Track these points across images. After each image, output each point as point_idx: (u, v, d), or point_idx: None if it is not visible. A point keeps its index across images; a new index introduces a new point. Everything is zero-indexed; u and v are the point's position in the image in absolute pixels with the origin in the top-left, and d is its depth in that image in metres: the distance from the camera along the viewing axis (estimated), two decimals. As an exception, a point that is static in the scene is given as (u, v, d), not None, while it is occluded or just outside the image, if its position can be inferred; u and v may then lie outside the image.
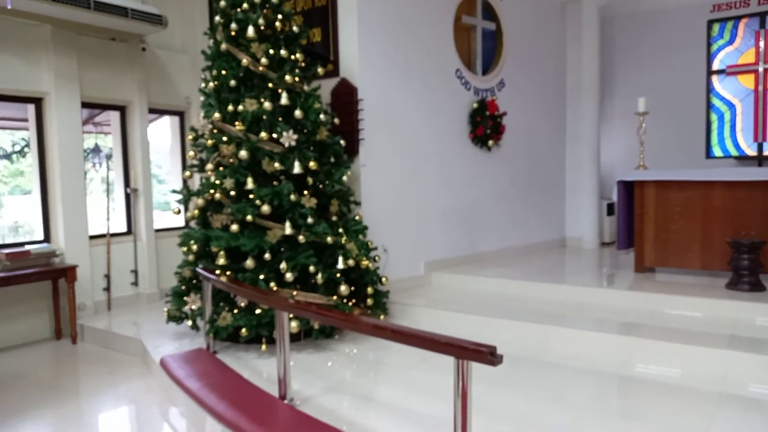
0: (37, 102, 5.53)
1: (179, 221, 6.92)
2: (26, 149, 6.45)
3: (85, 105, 5.82)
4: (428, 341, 2.33)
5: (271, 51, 4.63)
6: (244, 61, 4.55)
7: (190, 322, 4.58)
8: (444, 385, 2.79)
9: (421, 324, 3.98)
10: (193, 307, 4.47)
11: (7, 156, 6.70)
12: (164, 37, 6.33)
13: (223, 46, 4.64)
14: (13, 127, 6.40)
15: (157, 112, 6.66)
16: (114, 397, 4.00)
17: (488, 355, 2.11)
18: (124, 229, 6.26)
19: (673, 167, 7.12)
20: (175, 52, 6.68)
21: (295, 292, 4.27)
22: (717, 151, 8.41)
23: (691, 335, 3.95)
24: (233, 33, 4.65)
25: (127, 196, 6.27)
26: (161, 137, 7.26)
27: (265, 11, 4.69)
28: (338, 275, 4.45)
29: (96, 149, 6.47)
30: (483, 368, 2.24)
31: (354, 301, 4.65)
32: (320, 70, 5.06)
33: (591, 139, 7.95)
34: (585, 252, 7.60)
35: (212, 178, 4.56)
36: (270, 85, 4.59)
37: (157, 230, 6.45)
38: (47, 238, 5.58)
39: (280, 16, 4.73)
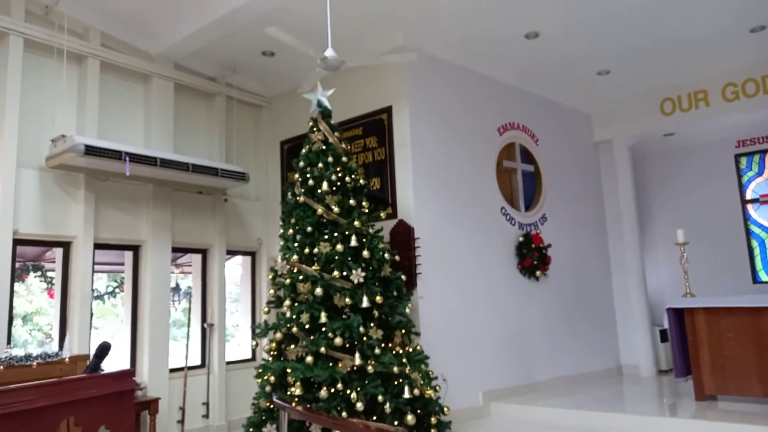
0: (135, 249, 6.35)
1: (246, 354, 7.37)
2: (117, 290, 7.22)
3: (174, 250, 6.61)
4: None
5: (342, 201, 5.36)
6: (320, 210, 5.27)
7: (264, 453, 4.84)
8: None
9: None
10: (270, 437, 4.76)
11: (100, 296, 7.46)
12: (243, 188, 7.26)
13: (301, 198, 5.40)
14: (108, 270, 7.22)
15: (232, 253, 7.41)
16: None
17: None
18: (198, 362, 6.72)
19: (721, 293, 7.28)
20: (251, 200, 7.59)
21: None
22: (763, 276, 8.52)
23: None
24: (310, 187, 5.42)
25: (203, 331, 6.82)
26: (233, 274, 7.96)
27: (334, 168, 5.50)
28: (404, 405, 4.72)
29: (176, 288, 7.18)
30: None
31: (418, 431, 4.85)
32: (382, 214, 5.74)
33: (635, 268, 8.23)
34: (642, 380, 7.56)
35: (288, 313, 5.08)
36: (342, 229, 5.25)
37: (227, 363, 6.89)
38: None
39: (348, 172, 5.52)
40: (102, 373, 1.92)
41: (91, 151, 5.31)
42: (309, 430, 4.57)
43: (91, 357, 1.99)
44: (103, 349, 1.97)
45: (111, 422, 1.80)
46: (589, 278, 8.08)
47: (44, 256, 6.80)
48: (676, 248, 6.65)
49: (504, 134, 7.35)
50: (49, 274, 6.14)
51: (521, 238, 7.06)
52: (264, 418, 4.95)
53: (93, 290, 5.97)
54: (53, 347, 4.41)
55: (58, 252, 5.81)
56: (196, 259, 7.05)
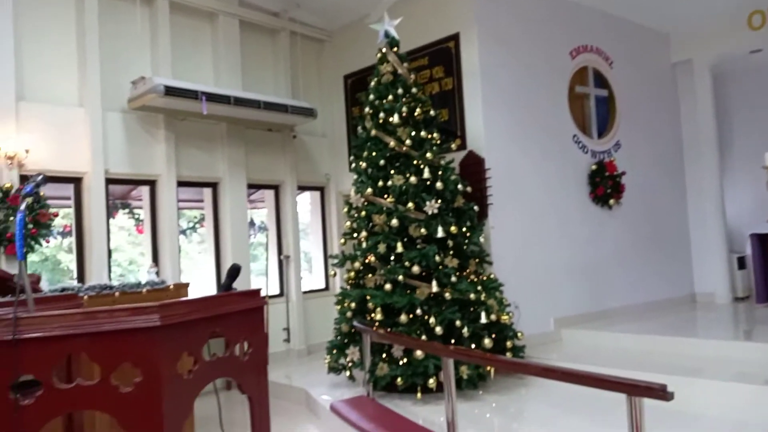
0: (214, 186, 6.63)
1: (319, 284, 7.71)
2: (197, 226, 7.64)
3: (249, 186, 6.86)
4: (600, 381, 2.69)
5: (413, 133, 5.36)
6: (391, 143, 5.30)
7: (348, 373, 5.16)
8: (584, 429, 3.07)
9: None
10: (354, 358, 5.05)
11: (183, 232, 7.90)
12: (309, 124, 7.35)
13: (373, 132, 5.44)
14: (189, 207, 7.60)
15: (302, 188, 7.62)
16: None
17: (660, 392, 2.44)
18: (277, 291, 7.11)
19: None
20: (317, 136, 7.69)
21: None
22: None
23: None
24: (381, 121, 5.44)
25: (280, 262, 7.15)
26: (303, 209, 8.21)
27: (404, 100, 5.46)
28: (481, 330, 4.87)
29: (251, 222, 7.49)
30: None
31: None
32: (453, 145, 5.72)
33: (714, 194, 7.91)
34: (718, 307, 7.43)
35: (364, 244, 5.25)
36: (414, 162, 5.28)
37: (303, 292, 7.24)
38: (219, 300, 6.51)
39: (418, 104, 5.48)
40: (236, 291, 2.09)
41: (170, 91, 5.48)
42: (390, 352, 4.81)
43: (224, 278, 2.16)
44: (235, 270, 2.14)
45: (248, 336, 1.98)
46: (664, 205, 7.85)
47: (130, 195, 7.23)
48: (759, 174, 6.31)
49: (576, 58, 7.03)
50: (135, 211, 6.53)
51: (594, 167, 6.89)
52: (346, 341, 5.23)
53: (178, 225, 6.33)
54: (154, 276, 4.77)
55: (144, 190, 6.15)
56: (269, 195, 7.30)
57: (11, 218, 4.81)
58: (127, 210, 6.50)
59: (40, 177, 1.86)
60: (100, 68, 5.67)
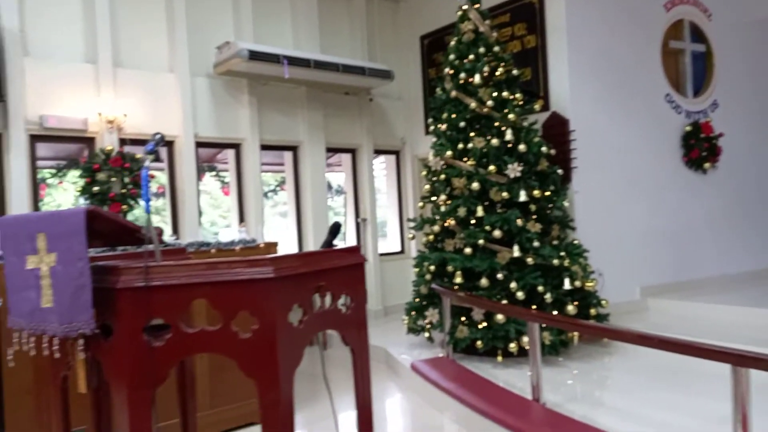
0: (294, 149, 6.78)
1: (394, 247, 7.79)
2: (277, 189, 7.88)
3: (327, 150, 6.96)
4: (703, 350, 2.58)
5: (495, 93, 5.21)
6: (472, 105, 5.19)
7: (427, 334, 5.23)
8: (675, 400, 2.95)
9: (643, 348, 4.11)
10: (433, 320, 5.11)
11: (264, 194, 8.19)
12: (385, 87, 7.31)
13: (453, 93, 5.33)
14: (270, 170, 7.83)
15: (378, 152, 7.64)
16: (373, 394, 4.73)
17: (770, 362, 2.31)
18: (354, 253, 7.24)
19: None
20: (393, 99, 7.64)
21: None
22: None
23: None
24: (461, 81, 5.32)
25: (357, 225, 7.27)
26: (379, 173, 8.27)
27: (485, 59, 5.30)
28: (564, 296, 4.77)
29: (328, 186, 7.63)
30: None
31: (578, 320, 4.91)
32: (536, 106, 5.52)
33: (823, 158, 7.25)
34: (823, 280, 6.90)
35: (443, 208, 5.23)
36: (495, 123, 5.16)
37: (380, 255, 7.35)
38: (300, 260, 6.73)
39: (501, 63, 5.30)
40: (337, 247, 2.14)
41: (254, 55, 5.60)
42: (470, 315, 4.82)
43: (326, 234, 2.21)
44: (336, 228, 2.19)
45: (349, 290, 2.04)
46: (765, 171, 7.28)
47: (216, 158, 7.53)
48: None
49: (671, 10, 6.54)
50: (221, 174, 6.80)
51: (688, 128, 6.46)
52: (425, 303, 5.29)
53: (262, 187, 6.55)
54: (244, 235, 4.97)
55: (230, 153, 6.38)
56: (346, 158, 7.38)
57: (113, 179, 5.13)
58: (213, 172, 6.77)
59: (158, 136, 1.96)
60: (187, 35, 5.86)
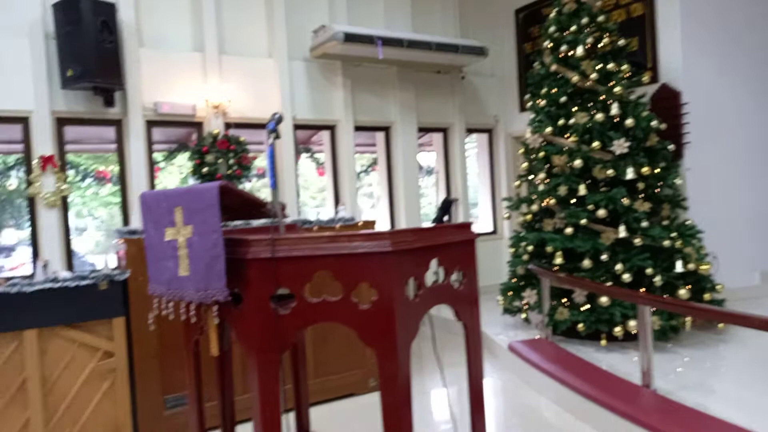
0: (386, 129, 6.83)
1: (486, 227, 7.67)
2: (369, 169, 7.97)
3: (419, 130, 6.95)
4: None
5: (599, 66, 4.94)
6: (574, 78, 4.95)
7: (523, 315, 5.13)
8: None
9: (764, 337, 3.78)
10: (530, 301, 5.00)
11: (357, 174, 8.34)
12: (477, 64, 7.15)
13: (553, 66, 5.12)
14: (362, 151, 7.95)
15: (470, 131, 7.52)
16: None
17: None
18: (445, 233, 7.22)
19: None
20: (485, 76, 7.47)
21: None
22: None
23: None
24: (561, 54, 5.09)
25: (443, 205, 7.22)
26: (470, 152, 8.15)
27: (588, 30, 5.03)
28: (675, 279, 4.49)
29: (420, 166, 7.62)
30: None
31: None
32: (644, 78, 5.18)
33: None
34: None
35: (541, 187, 5.07)
36: (600, 97, 4.90)
37: (471, 235, 7.27)
38: (392, 240, 6.81)
39: (606, 33, 5.01)
40: (449, 224, 2.13)
41: (349, 37, 5.67)
42: (571, 297, 4.66)
43: (437, 210, 2.21)
44: (449, 203, 2.19)
45: (462, 266, 2.03)
46: None
47: (311, 140, 7.73)
48: None
49: (803, -34, 5.86)
50: (315, 155, 6.99)
51: (819, 98, 5.81)
52: (522, 284, 5.18)
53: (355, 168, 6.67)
54: (344, 213, 5.10)
55: (325, 134, 6.54)
56: (438, 138, 7.33)
57: (220, 160, 5.43)
58: (309, 154, 6.98)
59: (278, 115, 2.04)
60: (285, 20, 6.02)
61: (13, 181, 6.57)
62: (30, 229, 5.04)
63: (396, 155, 6.79)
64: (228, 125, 5.69)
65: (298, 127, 6.20)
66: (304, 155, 7.04)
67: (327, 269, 1.77)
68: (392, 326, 1.75)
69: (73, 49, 4.77)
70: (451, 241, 2.03)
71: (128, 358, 3.40)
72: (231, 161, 5.47)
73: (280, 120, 2.02)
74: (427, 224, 7.10)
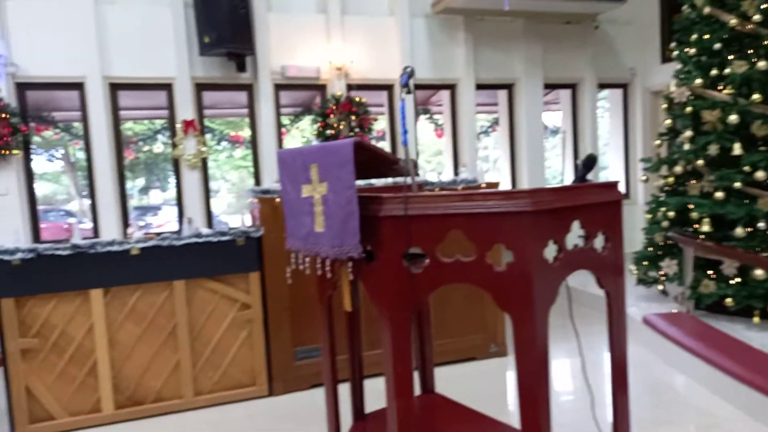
0: (509, 87, 6.52)
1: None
2: (489, 130, 7.74)
3: (545, 86, 6.55)
4: None
5: (763, 6, 4.27)
6: (732, 21, 4.34)
7: (660, 287, 4.74)
8: None
9: None
10: (669, 272, 4.59)
11: (479, 134, 8.14)
12: (611, 12, 6.53)
13: (706, 9, 4.52)
14: (482, 111, 7.71)
15: (602, 86, 6.96)
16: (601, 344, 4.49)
17: None
18: (570, 197, 6.83)
19: None
20: (621, 24, 6.82)
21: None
22: None
23: None
24: (718, -6, 4.47)
25: (575, 167, 6.80)
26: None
27: (753, -37, 4.35)
28: None
29: (543, 125, 7.22)
30: None
31: None
32: (822, 16, 4.40)
33: None
34: None
35: (687, 146, 4.56)
36: (764, 42, 4.26)
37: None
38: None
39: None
40: (592, 182, 1.97)
41: (473, -11, 5.42)
42: (719, 268, 4.21)
43: (579, 167, 2.05)
44: (591, 161, 2.01)
45: (606, 230, 1.87)
46: None
47: (429, 101, 7.63)
48: None
49: None
50: (434, 116, 6.88)
51: None
52: (659, 253, 4.77)
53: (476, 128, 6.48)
54: (466, 175, 5.00)
55: (445, 94, 6.39)
56: (565, 95, 6.88)
57: (342, 123, 5.52)
58: (427, 115, 6.88)
59: (409, 68, 1.97)
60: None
61: (159, 145, 7.22)
62: (176, 188, 5.52)
63: (519, 114, 6.48)
64: (350, 87, 5.74)
65: (417, 87, 6.08)
66: (422, 117, 6.96)
67: (460, 229, 1.70)
68: (530, 290, 1.65)
69: (209, 16, 5.04)
70: (594, 201, 1.86)
71: (263, 310, 3.63)
72: (353, 123, 5.54)
73: (412, 73, 1.96)
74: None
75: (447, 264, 1.73)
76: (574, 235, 1.86)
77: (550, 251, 1.77)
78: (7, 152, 4.73)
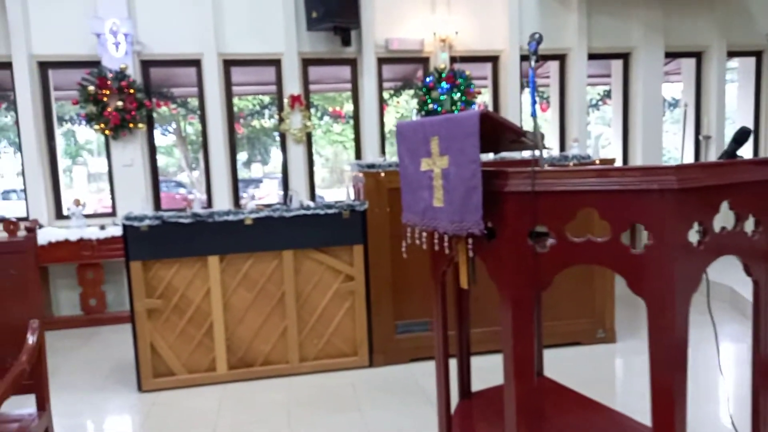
0: (625, 56, 6.06)
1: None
2: (599, 103, 7.27)
3: (666, 55, 6.02)
4: None
5: None
6: None
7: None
8: None
9: None
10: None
11: (588, 107, 7.71)
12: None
13: None
14: (593, 84, 7.26)
15: (731, 54, 6.28)
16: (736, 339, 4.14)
17: None
18: (689, 176, 6.29)
19: None
20: (760, -16, 6.09)
21: None
22: None
23: None
24: None
25: (697, 144, 6.25)
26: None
27: None
28: None
29: (662, 98, 6.66)
30: None
31: None
32: None
33: None
34: None
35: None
36: None
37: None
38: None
39: None
40: (744, 159, 1.76)
41: (589, -49, 5.03)
42: None
43: (730, 142, 1.84)
44: (743, 134, 1.79)
45: (758, 210, 1.67)
46: None
47: (538, 73, 7.26)
48: None
49: None
50: (540, 89, 6.55)
51: None
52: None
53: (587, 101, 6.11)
54: (577, 150, 4.74)
55: (553, 65, 6.06)
56: (688, 64, 6.28)
57: (444, 96, 5.40)
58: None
59: (537, 35, 1.85)
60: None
61: (266, 119, 7.50)
62: (282, 162, 5.70)
63: (635, 86, 6.01)
64: (453, 59, 5.59)
65: (524, 57, 5.84)
66: (527, 89, 6.67)
67: (593, 207, 1.58)
68: (671, 275, 1.51)
69: (316, -9, 5.09)
70: (747, 180, 1.66)
71: (365, 283, 3.68)
72: (455, 97, 5.41)
73: (540, 40, 1.83)
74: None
75: (576, 244, 1.62)
76: (722, 217, 1.68)
77: (695, 234, 1.61)
78: (134, 126, 5.10)
